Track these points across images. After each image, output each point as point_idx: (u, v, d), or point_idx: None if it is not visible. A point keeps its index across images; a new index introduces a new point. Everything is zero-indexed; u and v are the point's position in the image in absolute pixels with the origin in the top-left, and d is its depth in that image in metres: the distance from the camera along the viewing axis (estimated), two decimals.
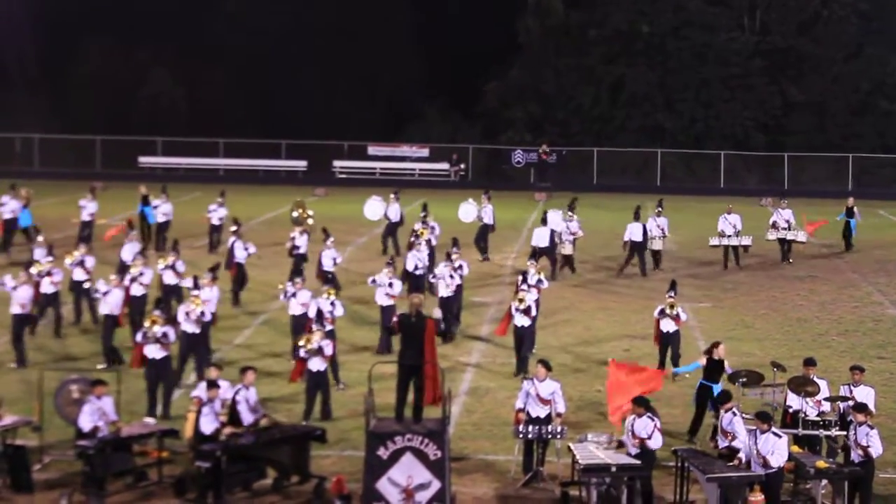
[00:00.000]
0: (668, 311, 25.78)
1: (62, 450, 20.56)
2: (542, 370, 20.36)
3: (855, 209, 43.74)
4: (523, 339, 26.38)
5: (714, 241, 41.22)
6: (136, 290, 28.21)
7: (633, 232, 38.87)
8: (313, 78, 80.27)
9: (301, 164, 72.59)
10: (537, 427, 19.92)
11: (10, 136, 75.09)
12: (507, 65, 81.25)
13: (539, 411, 20.03)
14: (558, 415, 20.16)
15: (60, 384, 21.69)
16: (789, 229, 41.60)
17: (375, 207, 44.00)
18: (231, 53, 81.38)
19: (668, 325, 25.94)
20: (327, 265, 32.87)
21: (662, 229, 40.47)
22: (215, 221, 41.12)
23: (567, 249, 39.43)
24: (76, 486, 19.06)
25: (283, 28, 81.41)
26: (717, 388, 21.96)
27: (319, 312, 24.96)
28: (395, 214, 42.29)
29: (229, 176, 70.60)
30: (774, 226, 41.86)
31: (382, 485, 17.56)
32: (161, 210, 41.06)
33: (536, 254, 29.95)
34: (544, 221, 38.89)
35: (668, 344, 26.05)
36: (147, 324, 23.46)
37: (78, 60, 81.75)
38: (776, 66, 79.31)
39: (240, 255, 33.52)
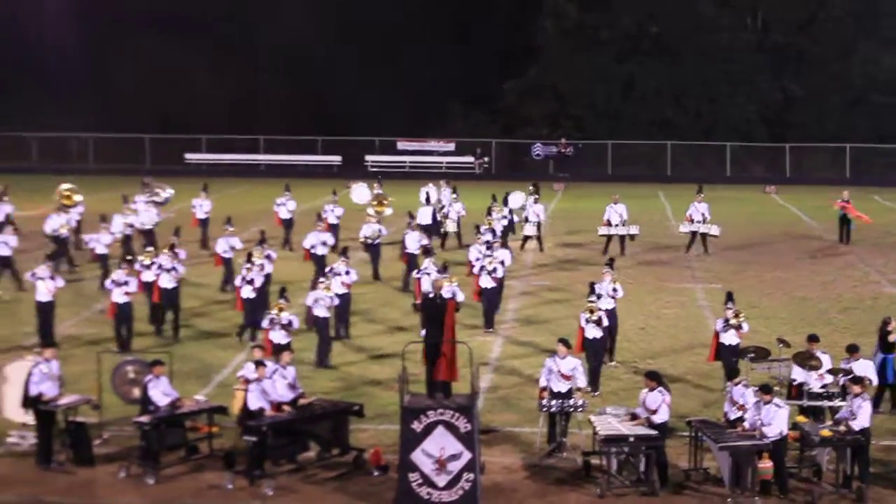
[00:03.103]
0: (732, 321, 23.11)
1: (119, 426, 20.62)
2: (563, 348, 20.31)
3: (850, 202, 42.71)
4: (596, 351, 23.71)
5: (602, 230, 40.36)
6: (166, 283, 28.16)
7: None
8: (347, 78, 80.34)
9: (336, 159, 72.77)
10: (560, 401, 19.90)
11: (66, 135, 75.50)
12: (525, 64, 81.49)
13: (561, 386, 19.99)
14: (579, 389, 20.13)
15: (117, 365, 21.81)
16: (703, 222, 40.49)
17: (362, 192, 43.85)
18: (271, 55, 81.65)
19: (729, 339, 23.10)
20: (411, 248, 33.04)
21: (703, 214, 40.45)
22: (284, 214, 40.48)
23: (529, 230, 40.12)
24: (134, 460, 19.16)
25: (320, 32, 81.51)
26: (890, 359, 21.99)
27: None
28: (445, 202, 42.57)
29: (269, 171, 70.83)
30: (690, 219, 40.75)
31: (417, 456, 17.57)
32: (203, 208, 40.32)
33: (612, 261, 27.71)
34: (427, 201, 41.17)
35: (726, 357, 22.81)
36: (274, 311, 23.63)
37: (126, 64, 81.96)
38: (777, 63, 79.30)
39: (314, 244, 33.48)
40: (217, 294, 32.64)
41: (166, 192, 41.51)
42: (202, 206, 40.36)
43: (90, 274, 34.22)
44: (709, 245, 40.30)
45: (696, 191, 41.58)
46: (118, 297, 26.56)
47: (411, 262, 32.64)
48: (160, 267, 28.34)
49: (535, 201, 41.08)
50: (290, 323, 23.47)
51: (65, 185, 40.83)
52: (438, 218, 41.34)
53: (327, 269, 28.18)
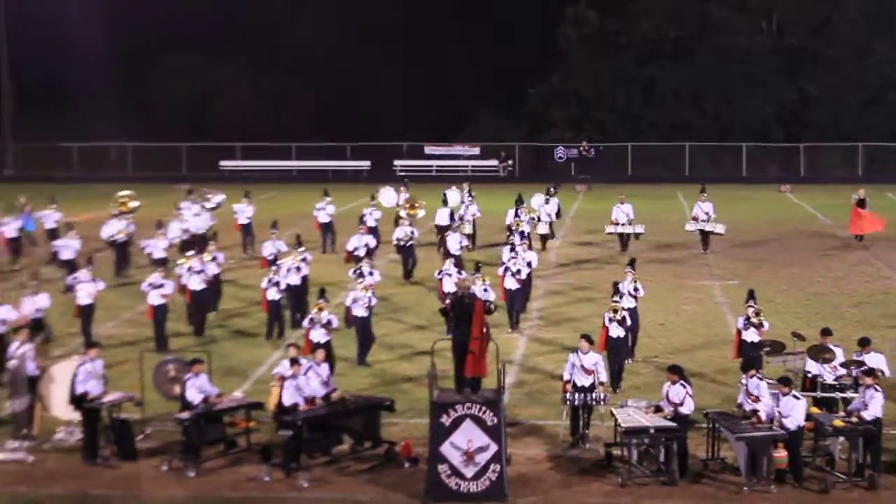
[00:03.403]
0: (752, 319, 22.96)
1: (161, 422, 20.83)
2: (586, 344, 20.42)
3: (866, 200, 42.54)
4: (619, 350, 23.48)
5: (609, 229, 40.66)
6: (195, 285, 28.41)
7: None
8: (374, 86, 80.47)
9: (365, 164, 72.83)
10: (583, 395, 20.01)
11: (106, 144, 75.85)
12: (548, 70, 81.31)
13: (584, 381, 20.09)
14: (601, 383, 20.23)
15: (158, 364, 22.03)
16: (708, 221, 40.42)
17: (389, 196, 43.87)
18: (301, 65, 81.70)
19: (751, 336, 22.97)
20: (453, 249, 33.14)
21: (707, 213, 40.42)
22: (324, 219, 40.39)
23: (542, 229, 40.47)
24: (175, 454, 19.36)
25: (347, 42, 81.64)
26: None
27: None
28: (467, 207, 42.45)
29: (301, 176, 70.94)
30: (695, 218, 40.69)
31: (446, 448, 17.71)
32: (245, 213, 40.19)
33: (633, 261, 27.36)
34: (444, 202, 40.45)
35: (749, 354, 22.16)
36: (314, 311, 23.76)
37: (162, 74, 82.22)
38: (792, 65, 78.96)
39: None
40: (257, 295, 32.63)
41: (218, 198, 41.77)
42: (244, 212, 40.25)
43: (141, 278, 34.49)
44: (718, 242, 40.29)
45: (700, 190, 41.58)
46: (154, 299, 26.83)
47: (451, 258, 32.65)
48: (189, 269, 28.60)
49: (546, 202, 41.29)
50: (329, 322, 23.61)
51: (122, 192, 41.29)
52: (456, 219, 41.33)
53: (351, 272, 28.30)
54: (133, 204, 40.78)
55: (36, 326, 24.77)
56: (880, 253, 40.18)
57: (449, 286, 27.53)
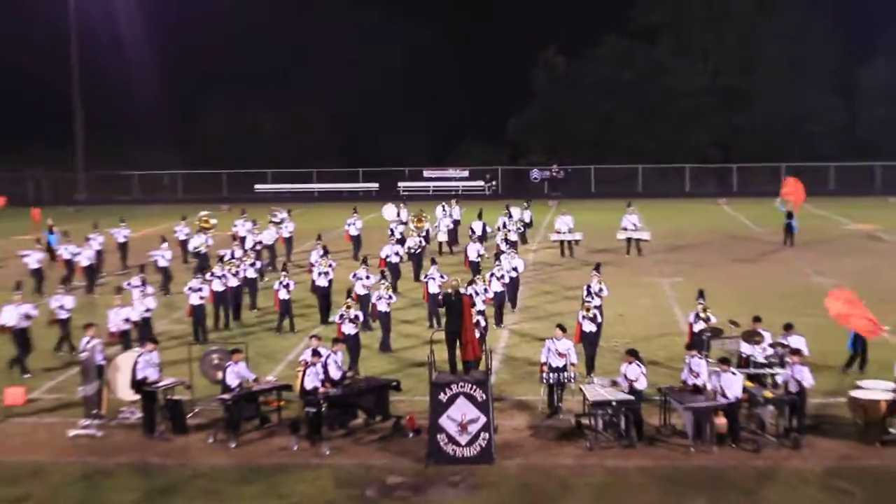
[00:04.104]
0: (701, 315, 22.43)
1: (207, 402, 20.78)
2: (559, 332, 20.36)
3: (794, 213, 42.46)
4: (592, 343, 22.93)
5: (620, 235, 40.57)
6: (217, 287, 28.34)
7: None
8: (382, 121, 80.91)
9: (374, 186, 72.76)
10: (556, 374, 19.97)
11: (160, 172, 75.92)
12: (524, 105, 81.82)
13: (558, 362, 20.03)
14: (572, 364, 20.17)
15: (204, 354, 21.98)
16: (635, 230, 40.25)
17: (390, 211, 43.72)
18: (321, 103, 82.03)
19: (700, 328, 22.26)
20: (472, 256, 33.17)
21: (634, 224, 40.31)
22: (353, 232, 39.97)
23: (443, 237, 40.57)
24: (219, 429, 19.35)
25: (362, 85, 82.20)
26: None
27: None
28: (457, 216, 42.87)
29: (321, 196, 70.92)
30: (624, 228, 40.46)
31: (443, 420, 17.69)
32: (287, 228, 39.85)
33: (598, 266, 27.19)
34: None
35: (698, 345, 20.97)
36: (344, 308, 23.54)
37: (206, 112, 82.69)
38: (725, 100, 79.68)
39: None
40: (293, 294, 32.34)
41: (282, 214, 41.71)
42: (287, 227, 39.97)
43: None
44: (667, 246, 40.33)
45: (627, 205, 41.58)
46: (194, 300, 26.75)
47: (473, 267, 32.42)
48: (212, 274, 28.70)
49: (508, 215, 40.48)
50: (356, 317, 23.44)
51: (203, 213, 41.89)
52: (441, 230, 41.17)
53: (350, 275, 28.10)
54: (213, 221, 41.20)
55: (146, 326, 25.03)
56: (800, 254, 40.19)
57: (433, 288, 27.29)
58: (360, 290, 27.12)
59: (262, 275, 32.91)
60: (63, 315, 25.48)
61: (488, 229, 40.32)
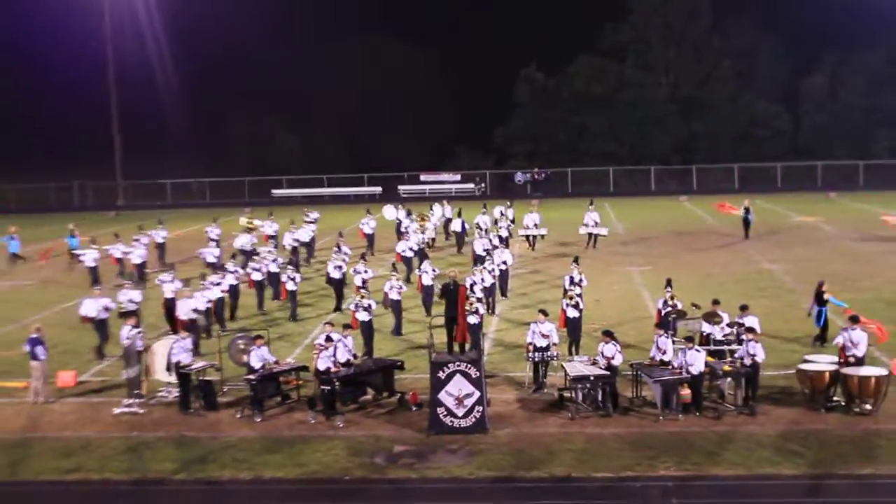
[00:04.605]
0: (669, 302, 21.98)
1: (235, 382, 20.77)
2: (542, 316, 20.29)
3: (750, 208, 42.21)
4: (576, 327, 22.44)
5: (582, 230, 40.15)
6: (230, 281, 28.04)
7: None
8: (384, 129, 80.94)
9: (377, 189, 72.53)
10: (540, 353, 19.96)
11: (190, 180, 75.76)
12: (508, 116, 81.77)
13: (541, 343, 20.00)
14: (554, 344, 20.15)
15: (231, 340, 21.95)
16: (596, 226, 39.86)
17: (390, 212, 43.39)
18: (331, 116, 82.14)
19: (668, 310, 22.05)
20: (479, 251, 32.57)
21: (595, 220, 40.07)
22: (367, 230, 39.60)
23: (430, 233, 39.93)
24: (245, 405, 19.35)
25: (366, 98, 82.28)
26: (824, 311, 22.35)
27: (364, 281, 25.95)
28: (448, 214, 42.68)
29: (331, 200, 70.71)
30: (585, 224, 40.08)
31: (442, 395, 17.66)
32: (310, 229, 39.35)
33: (577, 258, 26.64)
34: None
35: (665, 325, 20.59)
36: (358, 297, 23.40)
37: (231, 125, 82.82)
38: (685, 109, 79.71)
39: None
40: (306, 287, 31.98)
41: (315, 214, 41.73)
42: (367, 224, 39.61)
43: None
44: (637, 239, 40.24)
45: (589, 203, 41.39)
46: (215, 293, 26.43)
47: (479, 260, 31.41)
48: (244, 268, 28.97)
49: (501, 214, 40.50)
50: (369, 306, 23.27)
51: (244, 218, 41.66)
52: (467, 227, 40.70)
53: (352, 270, 27.93)
54: (256, 222, 41.00)
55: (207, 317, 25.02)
56: (754, 244, 40.20)
57: (427, 280, 26.99)
58: (358, 282, 26.99)
59: (298, 266, 31.85)
60: (132, 307, 25.34)
61: (466, 226, 40.18)
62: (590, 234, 40.02)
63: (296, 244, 36.85)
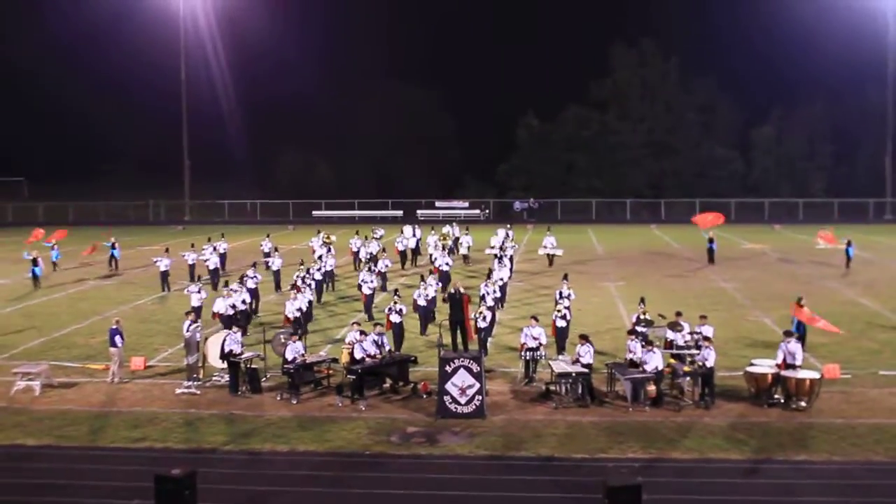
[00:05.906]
0: (642, 317, 21.28)
1: (276, 370, 20.65)
2: (533, 321, 20.23)
3: (714, 238, 41.27)
4: (563, 335, 21.98)
5: (541, 251, 39.74)
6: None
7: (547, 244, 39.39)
8: (405, 163, 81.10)
9: (399, 213, 72.58)
10: (531, 352, 19.86)
11: (244, 201, 75.90)
12: (509, 154, 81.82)
13: (532, 343, 19.90)
14: (542, 345, 20.03)
15: (275, 335, 21.89)
16: (553, 248, 39.35)
17: (409, 230, 42.04)
18: (360, 148, 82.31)
19: (640, 325, 21.73)
20: (494, 267, 31.62)
21: (552, 243, 39.72)
22: (400, 248, 39.01)
23: (463, 250, 39.93)
24: (284, 390, 19.28)
25: (390, 136, 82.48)
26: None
27: (396, 290, 25.64)
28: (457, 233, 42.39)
29: (360, 220, 70.70)
30: (544, 246, 39.59)
31: (448, 386, 17.57)
32: (356, 244, 38.43)
33: (566, 275, 26.25)
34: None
35: (635, 332, 20.06)
36: (392, 303, 23.14)
37: (278, 154, 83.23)
38: (656, 151, 79.73)
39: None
40: (347, 291, 31.86)
41: (381, 231, 41.60)
42: (355, 243, 38.64)
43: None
44: (612, 260, 39.96)
45: (547, 229, 41.04)
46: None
47: (490, 274, 31.12)
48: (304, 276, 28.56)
49: (507, 236, 40.31)
50: (401, 310, 23.06)
51: (321, 233, 40.65)
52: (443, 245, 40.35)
53: (359, 280, 27.53)
54: (333, 238, 40.68)
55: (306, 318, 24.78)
56: (710, 266, 39.98)
57: (431, 292, 25.96)
58: (366, 290, 26.57)
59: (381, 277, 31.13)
60: (242, 307, 24.83)
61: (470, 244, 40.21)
62: (548, 255, 39.70)
63: (368, 258, 36.42)
